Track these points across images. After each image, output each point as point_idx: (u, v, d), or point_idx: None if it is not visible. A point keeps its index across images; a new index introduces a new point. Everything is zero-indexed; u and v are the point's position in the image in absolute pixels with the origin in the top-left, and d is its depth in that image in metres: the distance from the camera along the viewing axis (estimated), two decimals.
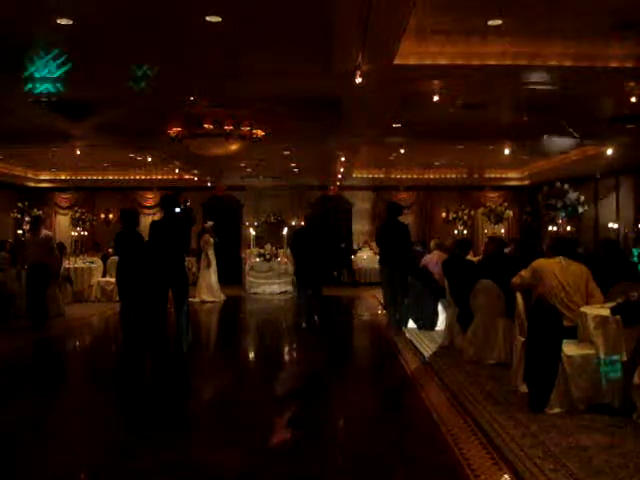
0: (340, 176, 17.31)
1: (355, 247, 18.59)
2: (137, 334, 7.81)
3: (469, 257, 8.76)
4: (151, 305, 7.55)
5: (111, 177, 18.72)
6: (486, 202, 19.26)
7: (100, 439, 4.64)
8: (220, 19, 5.96)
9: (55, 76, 6.35)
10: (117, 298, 9.48)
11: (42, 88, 6.45)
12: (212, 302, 12.89)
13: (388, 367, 7.05)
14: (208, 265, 13.09)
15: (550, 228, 16.68)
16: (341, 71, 7.04)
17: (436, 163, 17.19)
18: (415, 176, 18.72)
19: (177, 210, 7.95)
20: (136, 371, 6.86)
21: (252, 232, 16.66)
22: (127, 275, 7.85)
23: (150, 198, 19.25)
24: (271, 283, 14.84)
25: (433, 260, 8.96)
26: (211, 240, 13.17)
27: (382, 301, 10.84)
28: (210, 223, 13.68)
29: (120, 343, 8.23)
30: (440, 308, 8.68)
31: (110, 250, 14.41)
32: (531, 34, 6.62)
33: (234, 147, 10.63)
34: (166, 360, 7.25)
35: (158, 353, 7.37)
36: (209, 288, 13.08)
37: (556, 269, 5.26)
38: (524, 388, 5.08)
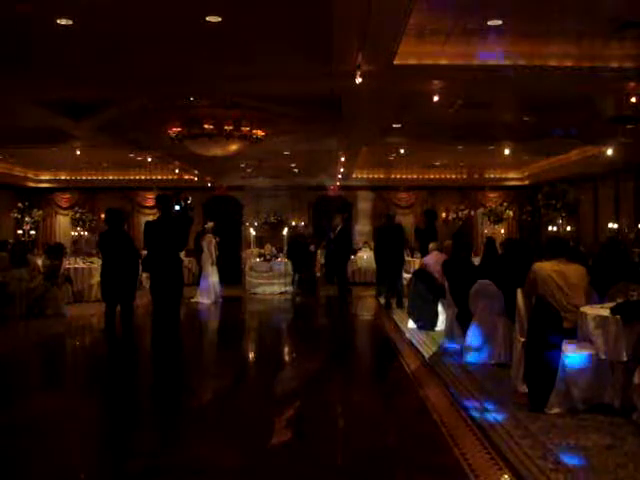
0: (340, 176, 17.31)
1: (355, 247, 18.55)
2: (126, 335, 7.68)
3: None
4: (154, 307, 7.44)
5: (111, 177, 18.73)
6: (486, 202, 19.26)
7: (99, 439, 4.65)
8: (220, 19, 5.97)
9: None
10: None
11: None
12: (211, 302, 12.89)
13: (388, 367, 7.05)
14: (211, 265, 13.11)
15: (550, 228, 16.68)
16: (341, 71, 7.04)
17: (436, 163, 17.19)
18: (415, 176, 18.72)
19: (176, 208, 7.84)
20: (124, 371, 6.81)
21: (252, 232, 16.65)
22: (111, 275, 7.71)
23: (150, 198, 19.23)
24: (271, 284, 14.82)
25: (432, 261, 8.98)
26: (214, 240, 13.18)
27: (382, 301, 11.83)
28: (211, 224, 13.65)
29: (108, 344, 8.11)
30: (440, 308, 8.69)
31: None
32: (531, 34, 6.62)
33: (234, 147, 10.64)
34: (165, 359, 7.24)
35: (159, 352, 7.32)
36: (209, 288, 13.07)
37: (554, 272, 5.21)
38: (524, 388, 5.08)
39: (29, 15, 5.76)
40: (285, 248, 15.45)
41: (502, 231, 18.52)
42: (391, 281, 11.54)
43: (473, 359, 6.60)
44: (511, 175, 18.87)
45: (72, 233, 19.15)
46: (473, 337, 6.70)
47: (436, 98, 8.27)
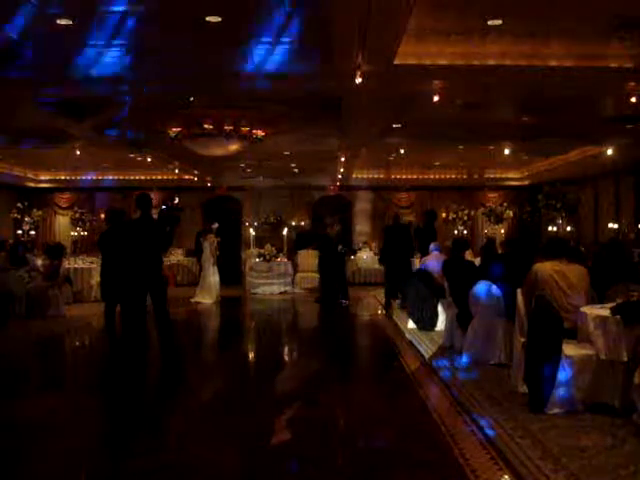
0: (340, 176, 17.31)
1: (355, 247, 18.55)
2: (125, 335, 7.62)
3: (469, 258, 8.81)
4: (130, 309, 7.28)
5: (111, 177, 18.71)
6: (486, 202, 19.26)
7: (99, 439, 4.65)
8: (220, 19, 5.96)
9: None
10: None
11: None
12: (212, 302, 12.90)
13: (388, 367, 7.05)
14: (212, 265, 13.12)
15: (550, 228, 16.69)
16: (341, 71, 7.04)
17: (436, 163, 17.19)
18: (415, 176, 18.72)
19: (163, 207, 7.76)
20: (126, 372, 6.79)
21: (252, 232, 16.66)
22: (110, 275, 7.64)
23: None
24: (270, 284, 14.83)
25: (431, 261, 8.99)
26: (216, 241, 13.21)
27: (382, 301, 12.01)
28: (216, 225, 13.63)
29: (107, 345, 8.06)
30: (440, 309, 8.69)
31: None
32: (531, 34, 6.62)
33: (234, 147, 10.64)
34: (165, 359, 7.23)
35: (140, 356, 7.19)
36: (210, 288, 13.08)
37: (555, 273, 5.20)
38: (524, 388, 5.08)
39: (29, 15, 5.77)
40: (285, 248, 15.45)
41: (502, 231, 18.52)
42: (396, 282, 11.37)
43: (473, 359, 6.60)
44: (511, 175, 18.87)
45: (72, 233, 19.13)
46: (473, 337, 6.70)
47: (436, 98, 8.26)
